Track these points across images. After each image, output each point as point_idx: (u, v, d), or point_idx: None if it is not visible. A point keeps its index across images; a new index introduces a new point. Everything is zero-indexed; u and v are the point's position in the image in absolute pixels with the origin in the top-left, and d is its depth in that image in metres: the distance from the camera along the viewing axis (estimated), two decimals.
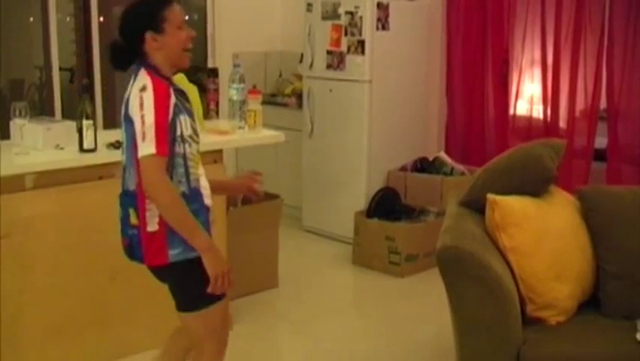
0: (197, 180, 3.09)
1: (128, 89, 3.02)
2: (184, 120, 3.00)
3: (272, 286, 5.54)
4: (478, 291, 3.23)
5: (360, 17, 6.33)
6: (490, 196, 3.56)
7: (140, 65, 3.04)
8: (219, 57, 7.41)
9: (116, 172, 4.20)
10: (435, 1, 6.91)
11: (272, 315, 5.22)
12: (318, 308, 5.33)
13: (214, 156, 4.63)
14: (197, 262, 2.98)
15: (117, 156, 4.21)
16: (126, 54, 3.09)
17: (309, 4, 6.74)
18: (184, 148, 3.00)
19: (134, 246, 3.06)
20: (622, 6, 6.03)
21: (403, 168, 6.56)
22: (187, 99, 3.15)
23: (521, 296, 3.42)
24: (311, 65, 6.78)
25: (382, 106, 6.47)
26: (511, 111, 6.76)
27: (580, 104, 6.34)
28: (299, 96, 7.07)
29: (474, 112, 6.91)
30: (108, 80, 6.91)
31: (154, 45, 3.03)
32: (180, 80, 4.82)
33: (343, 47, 6.48)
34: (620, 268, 3.71)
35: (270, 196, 5.53)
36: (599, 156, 6.29)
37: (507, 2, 6.59)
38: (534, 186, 3.68)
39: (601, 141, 6.27)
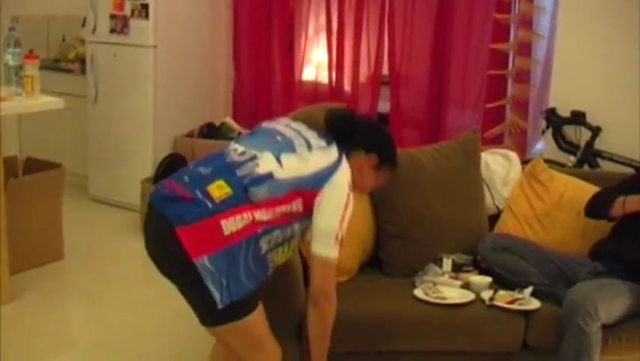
0: (272, 263, 2.84)
1: (328, 145, 2.91)
2: None
3: (57, 258, 5.36)
4: None
5: None
6: None
7: (345, 152, 2.96)
8: None
9: None
10: None
11: (59, 287, 5.06)
12: (107, 278, 5.22)
13: None
14: (208, 293, 2.67)
15: None
16: (344, 133, 3.00)
17: None
18: (298, 240, 2.92)
19: (190, 207, 2.68)
20: None
21: (190, 134, 6.50)
22: None
23: (303, 259, 3.48)
24: (94, 30, 6.57)
25: (168, 71, 6.37)
26: (298, 77, 6.84)
27: (364, 70, 6.50)
28: (83, 61, 6.85)
29: (261, 77, 6.93)
30: None
31: (363, 167, 3.04)
32: None
33: (127, 11, 6.31)
34: (399, 228, 3.86)
35: (52, 165, 5.36)
36: (384, 120, 6.48)
37: None
38: None
39: (385, 106, 6.47)
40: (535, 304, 3.48)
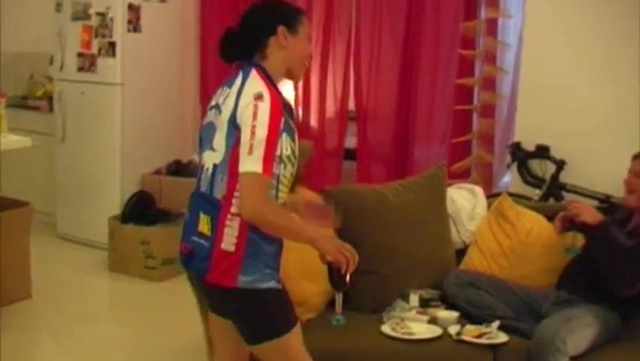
0: (283, 205, 2.84)
1: (231, 87, 2.80)
2: (285, 139, 2.72)
3: (25, 297, 5.31)
4: None
5: (111, 18, 6.21)
6: None
7: (251, 64, 2.82)
8: None
9: None
10: (188, 4, 6.90)
11: (27, 326, 5.00)
12: (75, 317, 5.18)
13: None
14: (267, 293, 2.74)
15: None
16: (243, 45, 2.86)
17: (59, 4, 6.53)
18: (279, 169, 2.73)
19: (198, 257, 2.77)
20: (368, 10, 6.28)
21: (158, 172, 6.50)
22: (292, 115, 2.87)
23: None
24: (61, 67, 6.58)
25: (135, 109, 6.37)
26: None
27: (330, 106, 6.55)
28: (51, 99, 6.85)
29: None
30: None
31: (282, 42, 2.82)
32: None
33: (94, 49, 6.33)
34: (368, 264, 3.79)
35: (20, 203, 5.33)
36: (351, 155, 6.52)
37: None
38: None
39: (352, 141, 6.50)
40: (502, 338, 3.50)
